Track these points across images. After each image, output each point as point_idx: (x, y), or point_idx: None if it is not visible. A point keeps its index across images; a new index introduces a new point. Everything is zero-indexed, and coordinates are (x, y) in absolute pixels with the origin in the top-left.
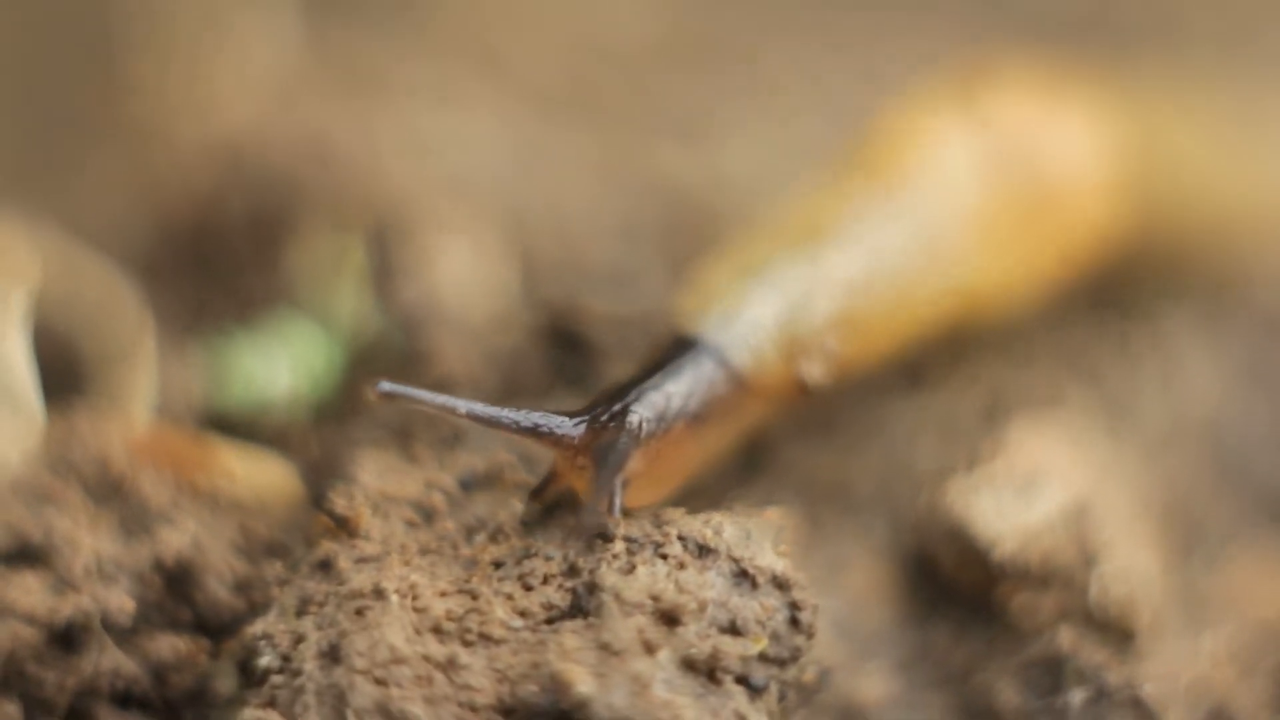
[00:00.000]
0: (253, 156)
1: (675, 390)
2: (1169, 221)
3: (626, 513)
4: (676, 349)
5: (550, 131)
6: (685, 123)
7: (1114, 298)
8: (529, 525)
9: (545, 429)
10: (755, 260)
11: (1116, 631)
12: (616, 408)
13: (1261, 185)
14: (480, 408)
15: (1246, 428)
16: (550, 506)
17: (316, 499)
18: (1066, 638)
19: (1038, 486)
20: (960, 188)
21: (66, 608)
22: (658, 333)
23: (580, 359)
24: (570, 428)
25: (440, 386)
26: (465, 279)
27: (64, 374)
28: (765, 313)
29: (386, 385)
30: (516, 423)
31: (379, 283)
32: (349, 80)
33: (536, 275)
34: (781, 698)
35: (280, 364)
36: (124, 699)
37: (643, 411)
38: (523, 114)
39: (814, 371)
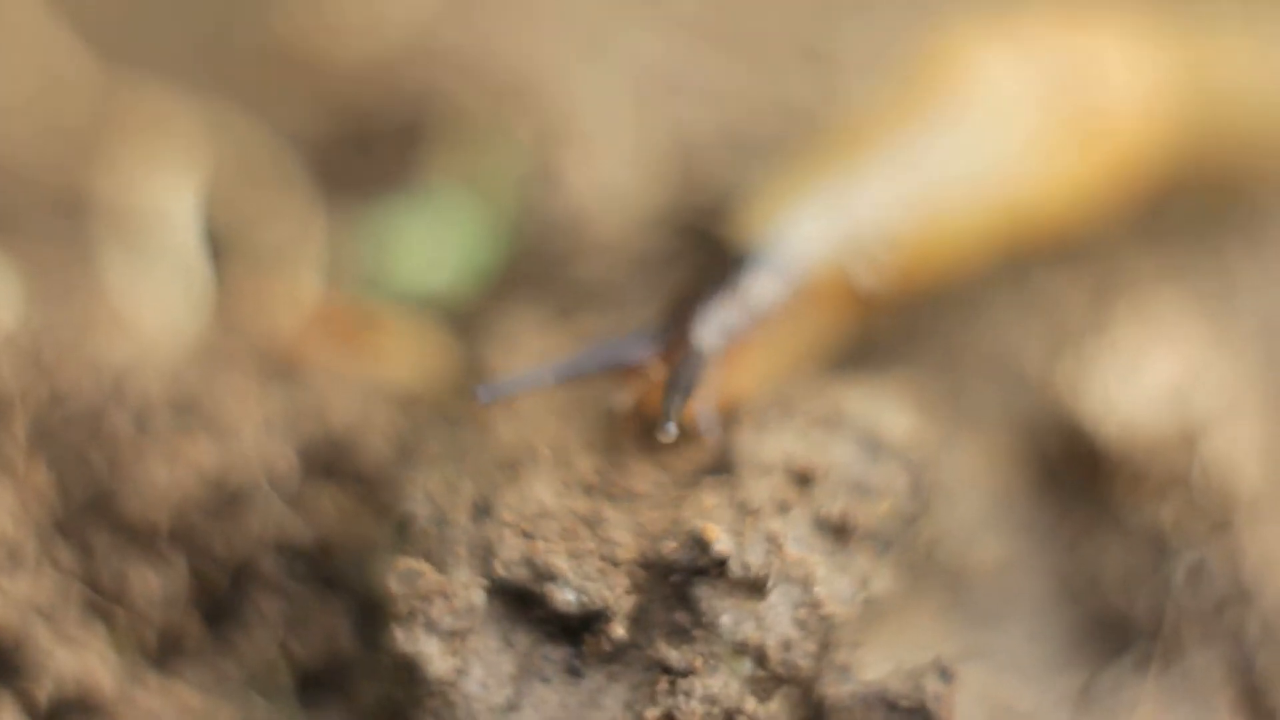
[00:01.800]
0: (413, 68)
1: (736, 302)
2: (1221, 140)
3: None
4: (736, 261)
5: (693, 49)
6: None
7: (1169, 219)
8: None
9: (626, 360)
10: (810, 179)
11: (1218, 508)
12: (684, 327)
13: None
14: (561, 368)
15: None
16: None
17: (476, 370)
18: (1169, 513)
19: (1143, 366)
20: (1009, 109)
21: (234, 465)
22: (721, 245)
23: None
24: (647, 353)
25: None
26: (617, 185)
27: (234, 245)
28: (818, 226)
29: (484, 392)
30: (599, 364)
31: (534, 184)
32: None
33: (687, 181)
34: (901, 560)
35: (446, 243)
36: (288, 553)
37: (708, 334)
38: (667, 32)
39: (868, 281)
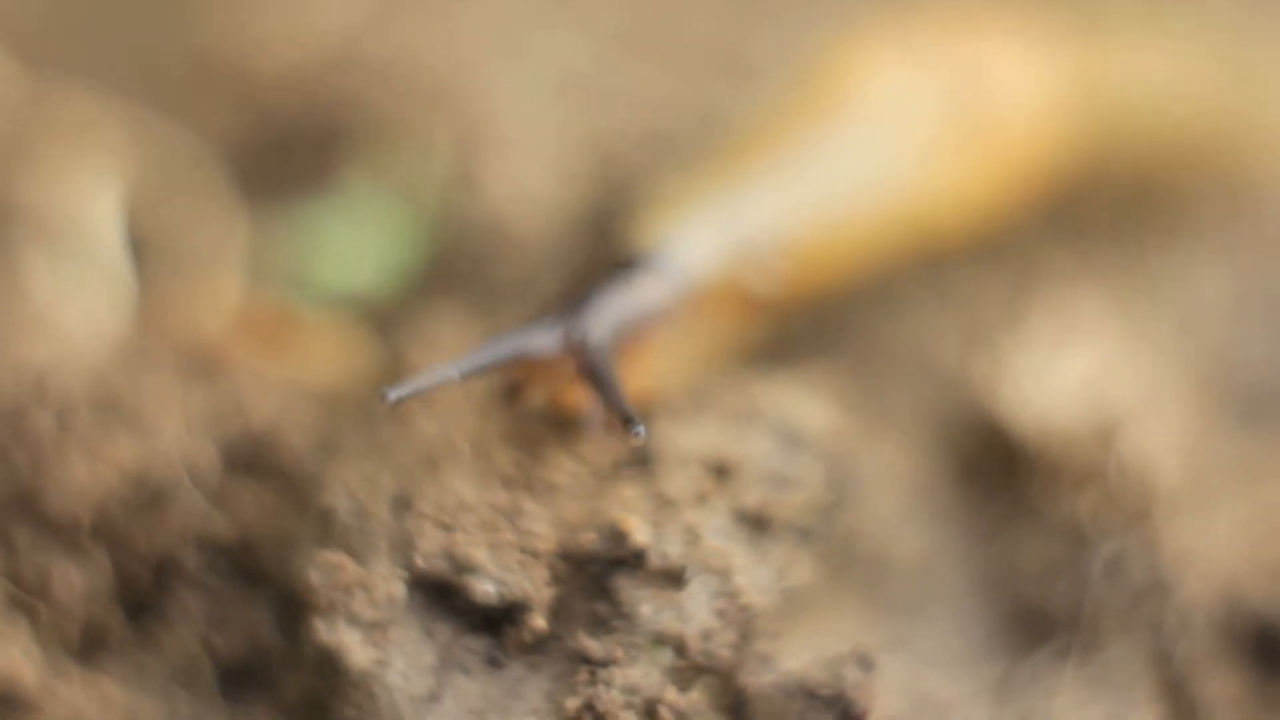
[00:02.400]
0: (325, 79)
1: (626, 302)
2: (1122, 141)
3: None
4: (625, 263)
5: (613, 54)
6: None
7: (1086, 215)
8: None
9: (529, 353)
10: (704, 184)
11: (1136, 501)
12: (580, 321)
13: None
14: (465, 364)
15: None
16: None
17: (396, 369)
18: (1087, 505)
19: (1059, 361)
20: (901, 115)
21: (156, 462)
22: (619, 245)
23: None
24: (546, 345)
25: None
26: (536, 187)
27: (156, 248)
28: (709, 232)
29: (391, 393)
30: (500, 358)
31: (454, 189)
32: None
33: (605, 184)
34: (822, 550)
35: (367, 243)
36: (210, 548)
37: (600, 327)
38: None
39: (760, 286)
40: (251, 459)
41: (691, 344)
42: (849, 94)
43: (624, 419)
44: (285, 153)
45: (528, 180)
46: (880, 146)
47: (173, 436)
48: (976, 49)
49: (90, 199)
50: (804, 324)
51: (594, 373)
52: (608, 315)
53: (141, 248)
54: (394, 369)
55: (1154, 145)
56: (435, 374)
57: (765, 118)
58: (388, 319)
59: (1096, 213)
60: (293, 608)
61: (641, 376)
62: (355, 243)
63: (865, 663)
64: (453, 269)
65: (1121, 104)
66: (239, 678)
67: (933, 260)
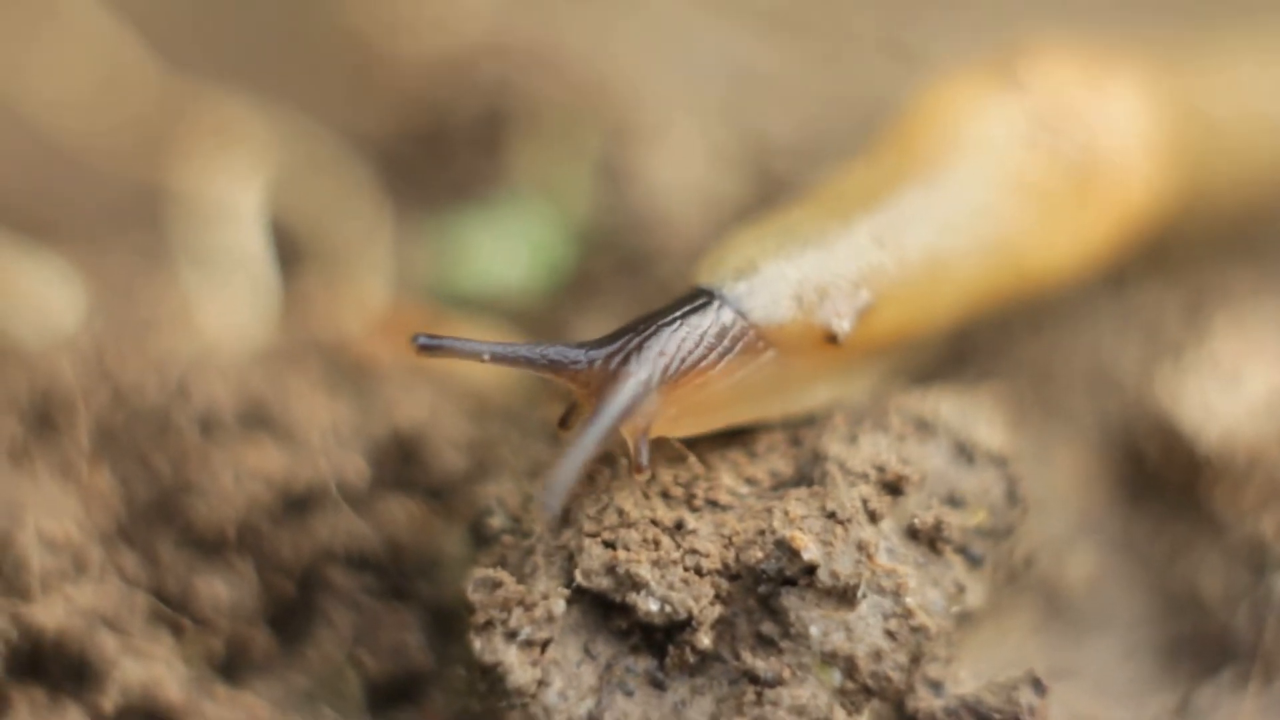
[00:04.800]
0: (488, 63)
1: (688, 335)
2: (1222, 181)
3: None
4: (694, 297)
5: (773, 44)
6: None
7: (1265, 232)
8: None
9: (560, 363)
10: (784, 223)
11: None
12: (629, 349)
13: None
14: (500, 348)
15: None
16: None
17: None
18: (1270, 524)
19: (1243, 376)
20: (1002, 158)
21: (303, 472)
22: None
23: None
24: (584, 363)
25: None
26: (693, 182)
27: (301, 248)
28: (789, 270)
29: (423, 339)
30: (531, 360)
31: (609, 182)
32: None
33: (764, 178)
34: (993, 573)
35: (516, 245)
36: (357, 561)
37: (651, 359)
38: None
39: (842, 326)
40: (399, 469)
41: (769, 382)
42: (944, 130)
43: (562, 472)
44: (433, 146)
45: (685, 175)
46: (975, 186)
47: (319, 444)
48: (1074, 81)
49: (234, 198)
50: (974, 344)
51: (603, 404)
52: (657, 352)
53: (285, 247)
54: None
55: (1258, 173)
56: (470, 345)
57: (857, 155)
58: (539, 321)
59: (1273, 228)
60: (443, 623)
61: (709, 410)
62: (505, 242)
63: (1039, 686)
64: (607, 268)
65: (1224, 132)
66: (386, 694)
67: (1111, 276)
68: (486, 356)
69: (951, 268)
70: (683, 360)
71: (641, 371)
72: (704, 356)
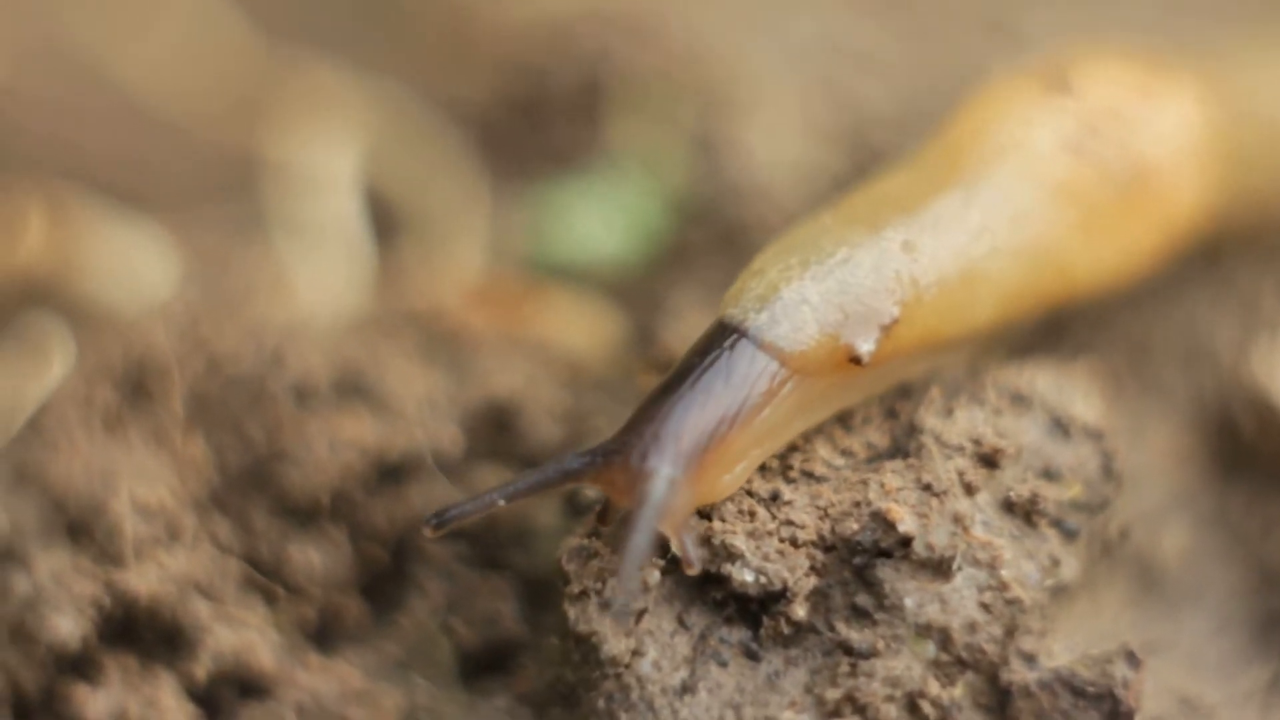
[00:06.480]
0: (587, 31)
1: (705, 403)
2: (1268, 184)
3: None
4: (716, 338)
5: (870, 19)
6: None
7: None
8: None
9: (578, 472)
10: (812, 233)
11: None
12: (646, 444)
13: None
14: (511, 487)
15: None
16: None
17: (642, 342)
18: None
19: None
20: (1047, 163)
21: (398, 441)
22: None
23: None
24: (601, 464)
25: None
26: (790, 154)
27: (396, 216)
28: (811, 291)
29: (434, 520)
30: (549, 481)
31: (705, 152)
32: None
33: (861, 149)
34: (1088, 546)
35: (613, 215)
36: (451, 530)
37: (671, 450)
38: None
39: (866, 346)
40: (494, 438)
41: (791, 412)
42: (986, 136)
43: (626, 581)
44: (529, 113)
45: (782, 146)
46: (1017, 191)
47: (414, 413)
48: (1126, 88)
49: (329, 167)
50: (1070, 318)
51: (635, 514)
52: (677, 433)
53: (381, 216)
54: (639, 342)
55: None
56: (483, 500)
57: (898, 161)
58: (634, 291)
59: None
60: (537, 593)
61: (740, 456)
62: (601, 211)
63: (1134, 660)
64: (703, 238)
65: (1267, 137)
66: (479, 663)
67: (1207, 255)
68: (502, 502)
69: (989, 275)
70: (701, 436)
71: (664, 467)
72: (722, 420)
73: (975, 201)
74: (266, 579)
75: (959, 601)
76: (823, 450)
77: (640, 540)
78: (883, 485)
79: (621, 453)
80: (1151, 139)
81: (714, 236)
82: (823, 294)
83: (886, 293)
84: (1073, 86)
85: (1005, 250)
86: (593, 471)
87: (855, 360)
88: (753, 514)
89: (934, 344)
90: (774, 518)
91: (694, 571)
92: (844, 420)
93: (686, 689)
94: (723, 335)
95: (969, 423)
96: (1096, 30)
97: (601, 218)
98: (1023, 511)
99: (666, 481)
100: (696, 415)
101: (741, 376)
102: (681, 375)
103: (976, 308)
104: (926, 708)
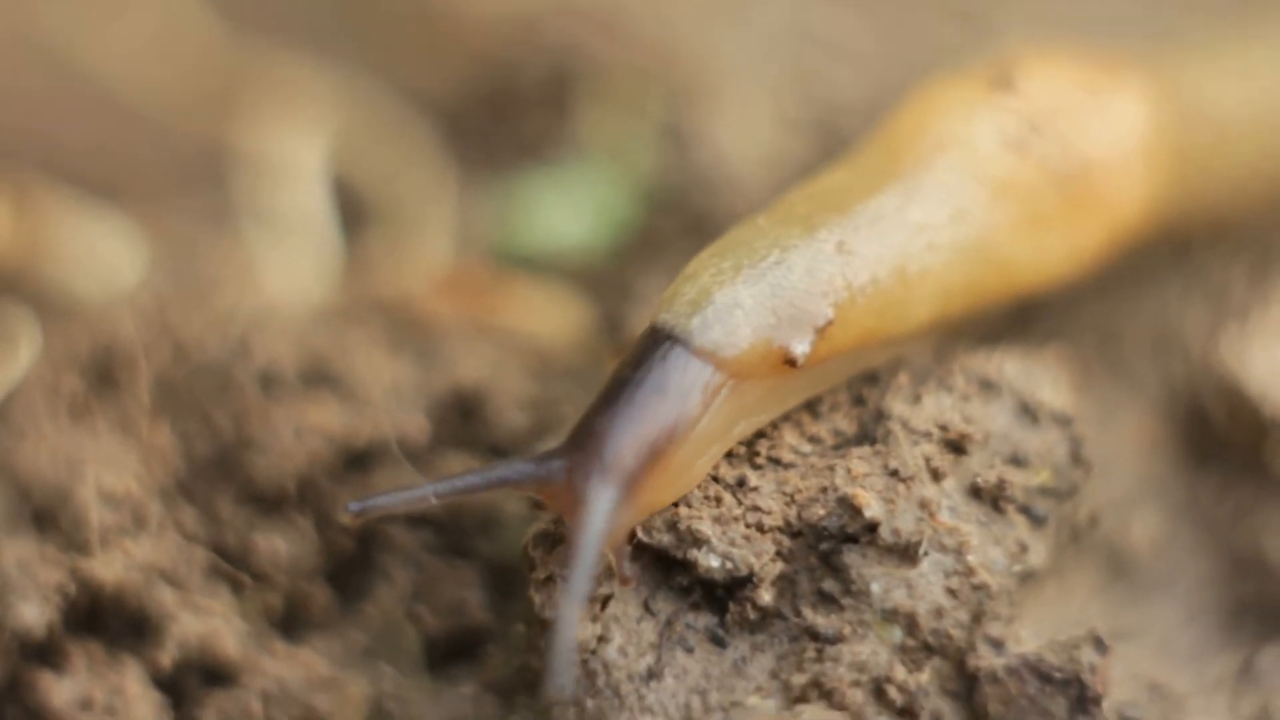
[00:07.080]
0: (555, 23)
1: (642, 417)
2: (1215, 182)
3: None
4: (649, 345)
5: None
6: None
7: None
8: None
9: (516, 480)
10: (746, 236)
11: None
12: (590, 465)
13: None
14: (445, 484)
15: None
16: None
17: (610, 330)
18: None
19: None
20: (987, 160)
21: (364, 429)
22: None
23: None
24: (542, 477)
25: None
26: (757, 143)
27: (363, 206)
28: (744, 294)
29: (354, 505)
30: (485, 484)
31: (674, 143)
32: None
33: (828, 139)
34: (1057, 532)
35: (581, 205)
36: (417, 518)
37: (612, 471)
38: None
39: (801, 348)
40: (460, 426)
41: (733, 415)
42: (926, 134)
43: (571, 602)
44: (496, 105)
45: (749, 135)
46: (956, 188)
47: (380, 401)
48: (1070, 86)
49: (297, 157)
50: (1039, 305)
51: (577, 538)
52: (617, 451)
53: (349, 207)
54: (608, 329)
55: (1240, 185)
56: (408, 494)
57: (835, 160)
58: (602, 280)
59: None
60: (503, 580)
61: (684, 467)
62: (569, 201)
63: (1101, 646)
64: (671, 227)
65: (1214, 135)
66: (445, 651)
67: (1177, 247)
68: (433, 499)
69: (928, 273)
70: (641, 452)
71: (606, 489)
72: (660, 434)
73: (914, 199)
74: (232, 567)
75: (925, 587)
76: (790, 437)
77: (584, 566)
78: (849, 471)
79: (564, 469)
80: (1095, 137)
81: (683, 225)
82: (755, 297)
83: (820, 294)
84: (1016, 84)
85: (944, 248)
86: (533, 485)
87: (790, 362)
88: (719, 500)
89: (872, 343)
90: (740, 504)
91: (630, 586)
92: (811, 407)
93: (652, 675)
94: (655, 342)
95: (936, 409)
96: (1068, 23)
97: (569, 207)
98: (990, 497)
99: (609, 503)
100: (635, 431)
101: (675, 386)
102: (619, 385)
103: (915, 306)
104: (893, 693)
